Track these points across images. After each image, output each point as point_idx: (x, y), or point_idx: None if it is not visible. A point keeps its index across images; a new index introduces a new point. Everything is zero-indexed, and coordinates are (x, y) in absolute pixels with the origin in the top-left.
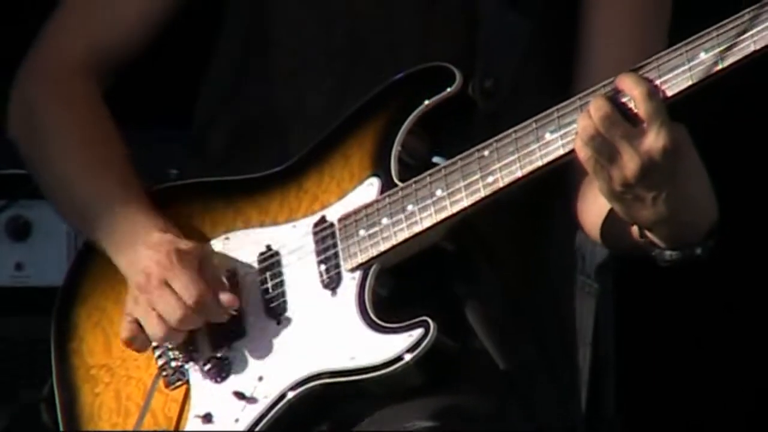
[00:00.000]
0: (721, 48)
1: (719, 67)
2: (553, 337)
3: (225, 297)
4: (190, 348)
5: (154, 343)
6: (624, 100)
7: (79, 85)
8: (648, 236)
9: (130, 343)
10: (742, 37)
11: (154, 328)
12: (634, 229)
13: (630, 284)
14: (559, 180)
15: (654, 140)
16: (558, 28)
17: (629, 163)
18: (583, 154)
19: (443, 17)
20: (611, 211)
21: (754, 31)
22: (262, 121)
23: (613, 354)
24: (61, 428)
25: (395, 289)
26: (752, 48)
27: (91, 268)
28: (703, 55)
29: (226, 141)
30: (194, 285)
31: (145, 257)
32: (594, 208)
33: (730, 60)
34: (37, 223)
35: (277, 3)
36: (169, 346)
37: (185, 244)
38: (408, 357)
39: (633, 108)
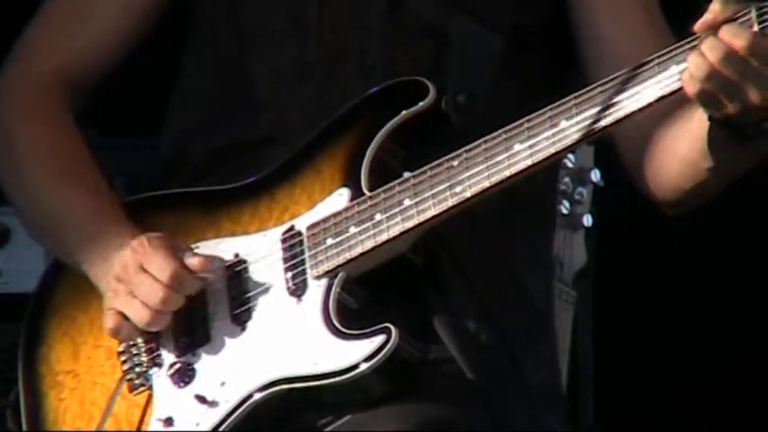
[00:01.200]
0: None
1: None
2: (528, 349)
3: (192, 260)
4: (155, 353)
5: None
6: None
7: (50, 104)
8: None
9: (115, 333)
10: None
11: (138, 315)
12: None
13: (608, 292)
14: (532, 190)
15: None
16: (528, 43)
17: (753, 96)
18: (697, 90)
19: (411, 33)
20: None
21: None
22: (243, 141)
23: (592, 362)
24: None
25: (362, 298)
26: None
27: (63, 278)
28: None
29: (206, 161)
30: (168, 263)
31: (119, 255)
32: (684, 149)
33: None
34: (15, 230)
35: (251, 15)
36: (134, 351)
37: (155, 233)
38: (368, 364)
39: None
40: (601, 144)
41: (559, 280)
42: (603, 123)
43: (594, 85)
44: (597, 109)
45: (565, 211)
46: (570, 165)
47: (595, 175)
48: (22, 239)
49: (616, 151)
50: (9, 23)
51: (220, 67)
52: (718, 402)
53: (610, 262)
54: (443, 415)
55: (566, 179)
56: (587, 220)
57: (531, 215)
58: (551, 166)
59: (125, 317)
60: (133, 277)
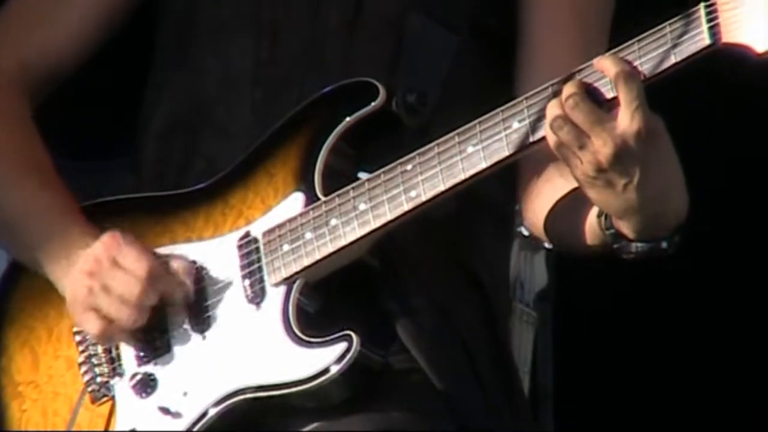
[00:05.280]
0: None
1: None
2: (487, 354)
3: (177, 263)
4: (115, 363)
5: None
6: (596, 84)
7: (9, 102)
8: (617, 226)
9: (102, 336)
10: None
11: (117, 312)
12: (594, 220)
13: (568, 313)
14: (490, 194)
15: (629, 124)
16: (487, 42)
17: (602, 148)
18: (554, 141)
19: (369, 34)
20: (566, 203)
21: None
22: (192, 131)
23: (552, 383)
24: None
25: (321, 304)
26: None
27: (17, 288)
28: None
29: (155, 153)
30: (144, 257)
31: (85, 252)
32: (546, 202)
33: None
34: None
35: (206, 12)
36: (95, 362)
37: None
38: (331, 371)
39: (605, 92)
40: None
41: (520, 300)
42: None
43: (545, 85)
44: None
45: (525, 233)
46: None
47: None
48: None
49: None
50: None
51: (179, 69)
52: (682, 419)
53: (571, 283)
54: (407, 426)
55: None
56: None
57: (488, 219)
58: (508, 169)
59: (108, 319)
60: (106, 271)
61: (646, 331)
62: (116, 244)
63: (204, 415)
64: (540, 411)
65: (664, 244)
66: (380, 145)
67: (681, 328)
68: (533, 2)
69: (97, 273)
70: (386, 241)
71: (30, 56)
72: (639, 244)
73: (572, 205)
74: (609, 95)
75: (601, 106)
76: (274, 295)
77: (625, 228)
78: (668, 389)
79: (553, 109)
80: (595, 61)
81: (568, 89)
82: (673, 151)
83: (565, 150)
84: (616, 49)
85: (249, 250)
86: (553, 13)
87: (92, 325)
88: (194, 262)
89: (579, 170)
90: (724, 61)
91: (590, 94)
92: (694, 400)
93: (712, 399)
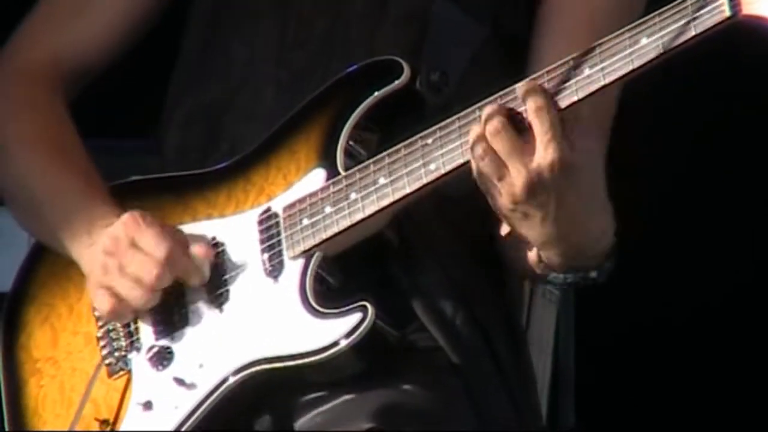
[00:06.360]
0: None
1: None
2: (502, 332)
3: (196, 248)
4: (133, 337)
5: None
6: (520, 109)
7: (43, 94)
8: (543, 259)
9: (112, 315)
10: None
11: (131, 292)
12: (532, 254)
13: (591, 292)
14: None
15: (542, 156)
16: (511, 38)
17: (517, 179)
18: (474, 167)
19: (394, 18)
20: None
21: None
22: (217, 115)
23: (574, 363)
24: (6, 421)
25: (339, 278)
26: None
27: (40, 267)
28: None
29: (180, 137)
30: (163, 240)
31: (107, 231)
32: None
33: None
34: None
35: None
36: (113, 336)
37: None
38: (345, 341)
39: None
40: None
41: None
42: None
43: (565, 59)
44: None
45: None
46: None
47: None
48: (4, 240)
49: None
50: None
51: (206, 52)
52: (701, 404)
53: None
54: (422, 404)
55: None
56: None
57: None
58: None
59: (119, 297)
60: (124, 251)
61: (671, 310)
62: (136, 225)
63: (220, 385)
64: (561, 393)
65: (593, 274)
66: (402, 125)
67: (709, 309)
68: (548, 8)
69: (114, 252)
70: (403, 217)
71: (63, 49)
72: (567, 275)
73: (517, 238)
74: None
75: (523, 133)
76: (292, 268)
77: (550, 258)
78: (694, 368)
79: (474, 134)
80: (515, 87)
81: (487, 112)
82: (592, 183)
83: (485, 180)
84: (532, 77)
85: (269, 224)
86: (564, 20)
87: (103, 302)
88: (213, 239)
89: (498, 202)
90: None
91: (513, 120)
92: (720, 382)
93: (740, 384)
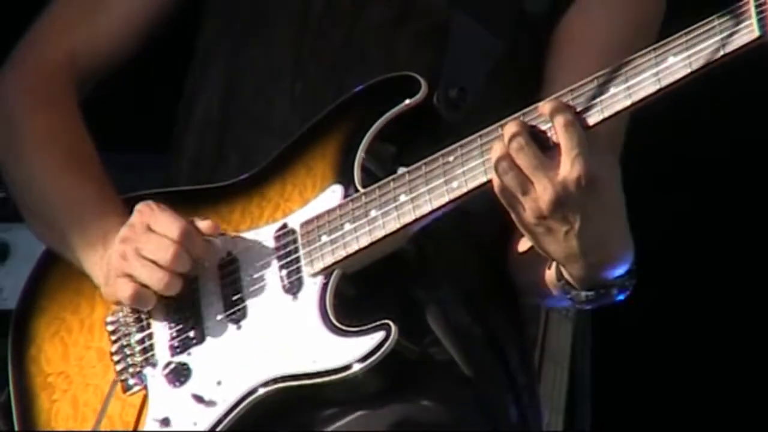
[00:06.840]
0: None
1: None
2: (516, 348)
3: (203, 224)
4: (148, 353)
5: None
6: (543, 127)
7: (56, 91)
8: (564, 275)
9: (134, 301)
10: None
11: (150, 275)
12: (551, 271)
13: (607, 308)
14: None
15: (569, 171)
16: (529, 55)
17: (543, 194)
18: (496, 183)
19: (413, 31)
20: (529, 254)
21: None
22: (231, 125)
23: (590, 377)
24: None
25: (357, 294)
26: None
27: (49, 279)
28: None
29: (192, 148)
30: (176, 220)
31: (120, 230)
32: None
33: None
34: (15, 246)
35: (250, 5)
36: (128, 352)
37: None
38: (369, 360)
39: (552, 136)
40: None
41: None
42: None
43: (591, 77)
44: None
45: None
46: None
47: None
48: (21, 255)
49: None
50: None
51: (220, 63)
52: (714, 412)
53: None
54: (435, 417)
55: None
56: None
57: None
58: None
59: (139, 282)
60: (140, 236)
61: (685, 320)
62: (150, 211)
63: (240, 402)
64: (578, 406)
65: (614, 291)
66: (418, 141)
67: (723, 315)
68: (563, 38)
69: (130, 238)
70: (421, 233)
71: (78, 46)
72: (588, 293)
73: (534, 256)
74: (555, 140)
75: (546, 151)
76: (312, 286)
77: (571, 275)
78: (707, 377)
79: (497, 151)
80: (539, 105)
81: (511, 130)
82: (616, 198)
83: (508, 195)
84: (557, 95)
85: (286, 241)
86: (578, 52)
87: (124, 290)
88: (229, 254)
89: (521, 217)
90: None
91: (536, 138)
92: (733, 391)
93: (752, 390)
